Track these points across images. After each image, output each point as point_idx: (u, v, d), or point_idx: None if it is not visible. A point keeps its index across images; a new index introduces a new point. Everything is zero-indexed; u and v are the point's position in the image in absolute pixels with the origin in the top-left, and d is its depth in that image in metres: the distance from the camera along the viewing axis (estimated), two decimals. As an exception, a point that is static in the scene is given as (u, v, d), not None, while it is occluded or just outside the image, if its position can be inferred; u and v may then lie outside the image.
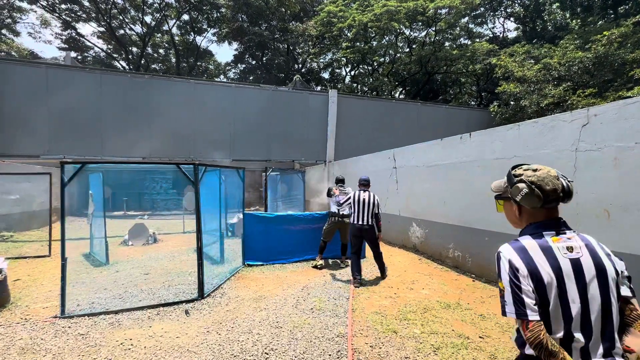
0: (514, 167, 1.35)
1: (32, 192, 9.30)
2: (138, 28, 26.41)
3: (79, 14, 23.86)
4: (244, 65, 30.43)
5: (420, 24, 23.27)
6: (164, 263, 6.29)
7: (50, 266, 6.09)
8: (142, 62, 26.87)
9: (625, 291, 1.12)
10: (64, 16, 23.32)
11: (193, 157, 10.37)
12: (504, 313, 1.13)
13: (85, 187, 7.28)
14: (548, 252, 1.12)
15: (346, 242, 5.76)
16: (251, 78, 27.97)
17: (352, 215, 4.96)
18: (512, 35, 25.55)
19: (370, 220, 4.85)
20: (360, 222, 4.86)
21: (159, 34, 28.33)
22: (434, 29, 22.55)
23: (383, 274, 5.17)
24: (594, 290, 1.07)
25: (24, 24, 27.07)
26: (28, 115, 8.61)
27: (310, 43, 24.69)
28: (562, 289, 1.07)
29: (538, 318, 1.05)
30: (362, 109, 12.60)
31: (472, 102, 26.16)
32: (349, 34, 19.92)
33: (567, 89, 11.74)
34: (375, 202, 4.95)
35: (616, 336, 1.07)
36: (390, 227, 7.72)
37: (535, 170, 1.23)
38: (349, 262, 5.90)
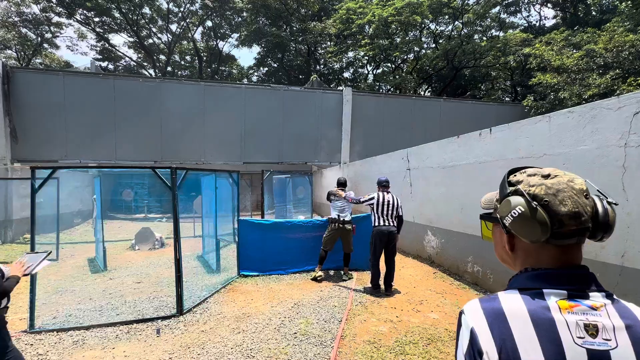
0: (512, 171, 0.80)
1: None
2: (165, 37, 27.42)
3: (111, 25, 25.15)
4: (266, 69, 30.63)
5: (446, 17, 22.01)
6: (161, 270, 6.07)
7: (52, 271, 6.07)
8: (169, 69, 27.84)
9: None
10: (97, 29, 24.67)
11: (204, 160, 10.26)
12: None
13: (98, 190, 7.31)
14: (546, 329, 0.61)
15: (349, 251, 5.19)
16: (272, 80, 28.01)
17: (376, 218, 4.56)
18: (549, 23, 23.45)
19: (395, 222, 4.57)
20: (387, 224, 4.50)
21: (185, 42, 29.25)
22: (461, 21, 21.21)
23: (388, 289, 4.57)
24: None
25: (63, 37, 29.02)
26: (46, 120, 8.88)
27: (330, 42, 24.25)
28: None
29: None
30: (379, 107, 11.89)
31: (507, 98, 24.30)
32: (369, 30, 19.20)
33: (616, 77, 10.30)
34: (399, 203, 4.64)
35: None
36: (404, 235, 6.99)
37: (546, 177, 0.69)
38: (352, 274, 5.33)
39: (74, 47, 26.72)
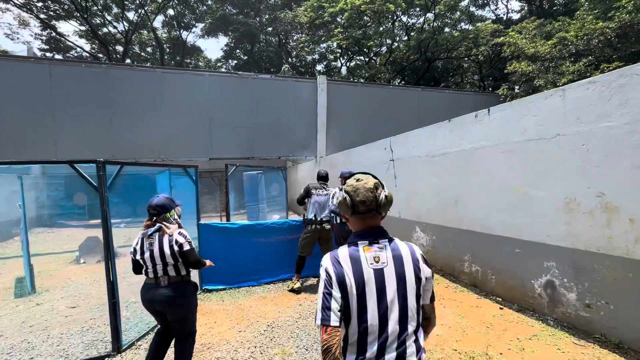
0: (352, 174, 1.37)
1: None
2: (121, 26, 25.17)
3: (57, 11, 22.63)
4: (235, 62, 29.15)
5: (417, 9, 21.82)
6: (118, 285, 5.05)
7: (-38, 298, 4.86)
8: (127, 61, 25.64)
9: (423, 300, 1.20)
10: (41, 15, 22.09)
11: (163, 157, 9.12)
12: (316, 321, 1.14)
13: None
14: (356, 261, 1.16)
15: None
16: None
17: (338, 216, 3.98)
18: (516, 17, 24.00)
19: None
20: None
21: (145, 31, 27.08)
22: (433, 12, 21.09)
23: None
24: (391, 297, 1.12)
25: (0, 24, 25.89)
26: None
27: (301, 33, 23.34)
28: (362, 297, 1.12)
29: (338, 324, 1.09)
30: (356, 97, 11.26)
31: (476, 90, 24.68)
32: (342, 20, 18.52)
33: (589, 64, 10.32)
34: None
35: (410, 339, 1.14)
36: (390, 231, 6.41)
37: (358, 180, 1.26)
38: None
39: (14, 35, 23.78)
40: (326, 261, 1.18)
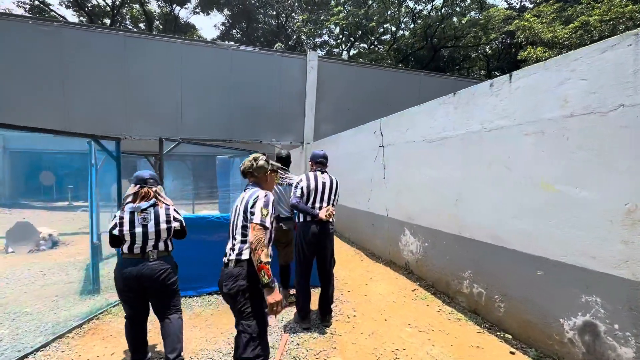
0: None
1: None
2: (111, -3, 23.63)
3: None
4: (232, 42, 27.70)
5: (425, -6, 20.38)
6: (28, 286, 4.05)
7: None
8: (116, 35, 24.21)
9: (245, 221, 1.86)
10: (22, -20, 20.59)
11: (126, 134, 8.00)
12: None
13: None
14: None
15: (287, 261, 3.45)
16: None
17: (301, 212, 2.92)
18: (531, 5, 22.56)
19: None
20: (317, 221, 2.87)
21: (137, 5, 25.55)
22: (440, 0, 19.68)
23: (325, 317, 2.95)
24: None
25: None
26: None
27: (300, 10, 21.94)
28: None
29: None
30: (350, 78, 10.08)
31: (482, 78, 23.41)
32: (342, -1, 17.18)
33: (614, 51, 9.15)
34: (337, 189, 3.02)
35: (237, 246, 1.88)
36: (375, 233, 5.38)
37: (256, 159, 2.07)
38: (294, 295, 3.59)
39: (-6, 1, 22.27)
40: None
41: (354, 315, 3.22)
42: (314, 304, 3.15)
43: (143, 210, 2.17)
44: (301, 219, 2.92)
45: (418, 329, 2.95)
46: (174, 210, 2.32)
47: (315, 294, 3.20)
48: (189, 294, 3.63)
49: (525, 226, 2.67)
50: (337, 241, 6.55)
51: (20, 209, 11.51)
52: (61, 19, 21.23)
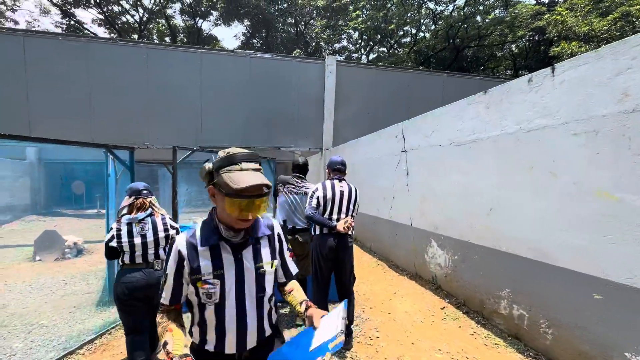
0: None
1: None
2: (139, 14, 24.87)
3: (76, -2, 22.55)
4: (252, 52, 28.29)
5: (446, -6, 19.84)
6: (49, 296, 4.09)
7: None
8: (143, 49, 25.35)
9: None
10: (60, 2, 22.09)
11: (148, 143, 8.17)
12: None
13: None
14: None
15: (305, 274, 3.22)
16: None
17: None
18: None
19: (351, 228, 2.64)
20: (335, 234, 2.63)
21: (163, 20, 26.71)
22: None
23: (345, 339, 2.67)
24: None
25: (22, 12, 26.44)
26: None
27: (318, 17, 22.02)
28: None
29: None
30: (370, 81, 9.82)
31: (511, 77, 22.36)
32: (361, 2, 17.01)
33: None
34: (357, 199, 2.77)
35: None
36: (398, 243, 5.05)
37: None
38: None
39: (35, 23, 24.01)
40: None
41: (377, 337, 2.93)
42: (333, 324, 2.90)
43: (140, 221, 2.21)
44: (317, 232, 2.69)
45: (450, 356, 2.62)
46: (170, 218, 2.37)
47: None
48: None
49: (577, 240, 2.31)
50: (358, 251, 6.26)
51: (53, 216, 12.08)
52: (90, 34, 22.54)
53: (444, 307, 3.53)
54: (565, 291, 2.39)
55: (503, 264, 2.99)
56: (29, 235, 8.09)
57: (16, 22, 22.43)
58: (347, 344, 2.74)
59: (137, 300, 2.12)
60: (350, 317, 2.77)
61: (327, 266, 2.65)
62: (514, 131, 2.87)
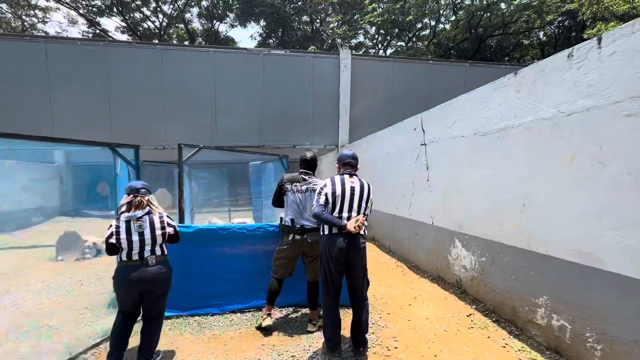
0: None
1: None
2: (159, 20, 25.58)
3: (101, 8, 23.50)
4: (265, 49, 28.42)
5: (467, -19, 18.97)
6: (64, 296, 4.13)
7: None
8: (164, 54, 26.06)
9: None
10: (86, 12, 23.08)
11: (165, 143, 8.24)
12: None
13: None
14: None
15: (316, 277, 2.99)
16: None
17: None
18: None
19: (363, 227, 2.40)
20: (345, 234, 2.38)
21: (182, 25, 27.35)
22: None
23: (360, 348, 2.42)
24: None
25: (52, 23, 27.93)
26: None
27: (332, 12, 21.73)
28: None
29: None
30: (386, 74, 9.44)
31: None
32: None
33: None
34: (370, 195, 2.49)
35: None
36: (419, 243, 4.73)
37: None
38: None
39: (64, 33, 25.21)
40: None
41: (395, 347, 2.67)
42: (346, 330, 2.67)
43: (139, 219, 2.27)
44: (326, 231, 2.46)
45: (479, 372, 2.32)
46: (167, 216, 2.43)
47: (348, 316, 2.72)
48: (213, 312, 3.34)
49: (632, 241, 1.94)
50: (376, 251, 5.97)
51: (80, 217, 12.55)
52: (108, 38, 23.34)
53: (470, 315, 3.20)
54: (620, 301, 2.03)
55: (539, 267, 2.63)
56: (55, 236, 8.39)
57: (47, 34, 23.67)
58: (362, 355, 2.49)
59: (131, 294, 2.25)
60: (365, 327, 2.52)
61: (337, 269, 2.42)
62: (550, 116, 2.51)
